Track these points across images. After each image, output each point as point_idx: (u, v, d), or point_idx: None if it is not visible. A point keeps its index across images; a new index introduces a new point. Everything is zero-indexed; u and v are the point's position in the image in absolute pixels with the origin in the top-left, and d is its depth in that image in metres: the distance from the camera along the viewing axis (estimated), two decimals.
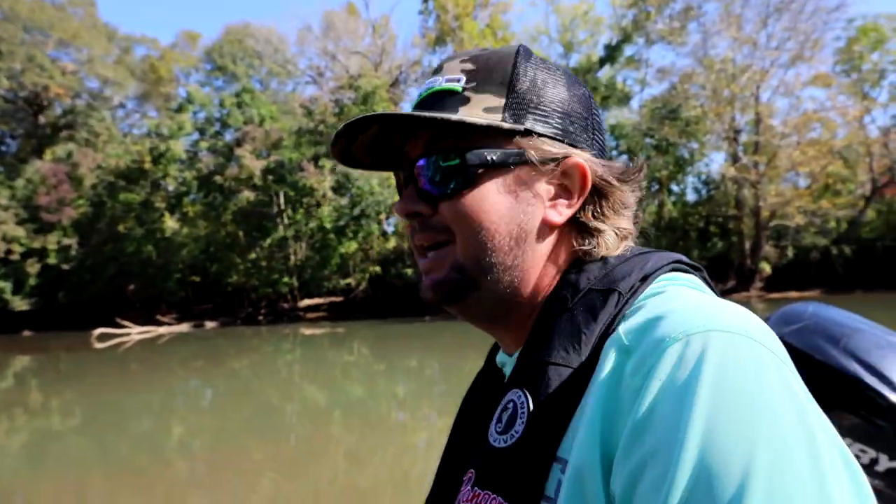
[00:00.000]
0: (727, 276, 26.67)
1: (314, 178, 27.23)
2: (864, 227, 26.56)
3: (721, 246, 28.01)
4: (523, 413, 0.59)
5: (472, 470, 0.62)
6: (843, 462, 0.47)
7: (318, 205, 28.17)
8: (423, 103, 0.71)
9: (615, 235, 0.71)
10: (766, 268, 25.93)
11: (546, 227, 0.70)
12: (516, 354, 0.72)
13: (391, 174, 0.81)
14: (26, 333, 29.16)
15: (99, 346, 20.98)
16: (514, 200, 0.69)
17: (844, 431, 0.94)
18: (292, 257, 29.23)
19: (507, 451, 0.58)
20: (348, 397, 10.60)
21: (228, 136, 31.49)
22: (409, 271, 26.97)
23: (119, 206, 30.55)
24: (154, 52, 41.67)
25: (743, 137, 27.26)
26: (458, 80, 0.70)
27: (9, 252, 28.83)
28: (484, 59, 0.72)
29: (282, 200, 29.04)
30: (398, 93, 31.30)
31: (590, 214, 0.71)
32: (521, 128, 0.68)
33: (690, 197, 29.44)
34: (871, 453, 0.92)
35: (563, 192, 0.70)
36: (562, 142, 0.70)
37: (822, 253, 25.84)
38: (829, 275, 25.05)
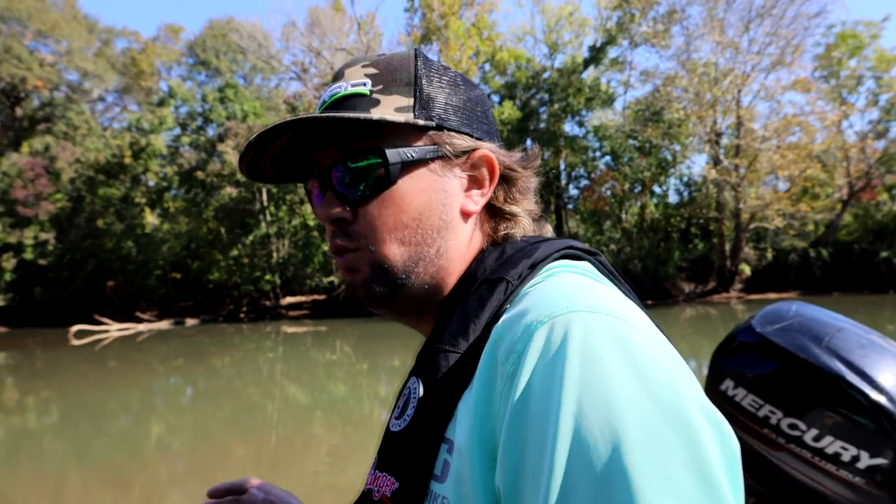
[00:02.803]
0: (708, 278, 26.98)
1: None
2: (841, 230, 27.03)
3: (702, 247, 28.32)
4: (415, 398, 0.62)
5: (378, 455, 0.65)
6: (710, 421, 0.48)
7: (302, 202, 27.99)
8: (328, 110, 0.71)
9: (528, 217, 0.77)
10: (746, 269, 26.28)
11: (463, 217, 0.74)
12: None
13: None
14: (1, 330, 28.61)
15: (76, 343, 20.65)
16: (433, 195, 0.71)
17: (827, 429, 0.96)
18: (275, 255, 29.02)
19: (399, 434, 0.62)
20: (330, 396, 10.56)
21: (211, 132, 31.16)
22: None
23: (98, 200, 30.10)
24: (135, 45, 41.12)
25: (724, 140, 27.58)
26: (364, 84, 0.71)
27: None
28: (385, 62, 0.73)
29: (264, 197, 28.81)
30: None
31: (502, 200, 0.76)
32: (434, 123, 0.71)
33: (672, 199, 29.74)
34: (853, 450, 0.94)
35: (475, 182, 0.74)
36: (469, 135, 0.73)
37: (800, 255, 26.25)
38: (807, 277, 25.46)
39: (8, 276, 29.24)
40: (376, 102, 0.70)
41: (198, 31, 45.73)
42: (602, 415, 0.46)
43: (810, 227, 27.44)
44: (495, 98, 29.12)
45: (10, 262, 29.10)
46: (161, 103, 32.91)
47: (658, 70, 27.79)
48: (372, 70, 0.72)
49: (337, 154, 0.70)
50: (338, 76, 0.74)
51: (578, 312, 0.53)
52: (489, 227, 0.76)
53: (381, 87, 0.71)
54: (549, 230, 0.80)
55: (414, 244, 0.70)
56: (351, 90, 0.71)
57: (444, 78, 0.74)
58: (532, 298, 0.60)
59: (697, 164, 34.04)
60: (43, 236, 29.70)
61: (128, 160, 29.84)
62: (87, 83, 37.48)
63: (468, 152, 0.73)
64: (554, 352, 0.50)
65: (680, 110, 25.92)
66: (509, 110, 26.32)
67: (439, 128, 0.71)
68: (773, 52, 25.86)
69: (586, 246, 0.73)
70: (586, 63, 28.10)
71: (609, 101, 28.54)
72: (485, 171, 0.74)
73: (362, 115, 0.66)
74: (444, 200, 0.72)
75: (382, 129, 0.69)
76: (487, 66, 29.04)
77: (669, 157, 27.86)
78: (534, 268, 0.67)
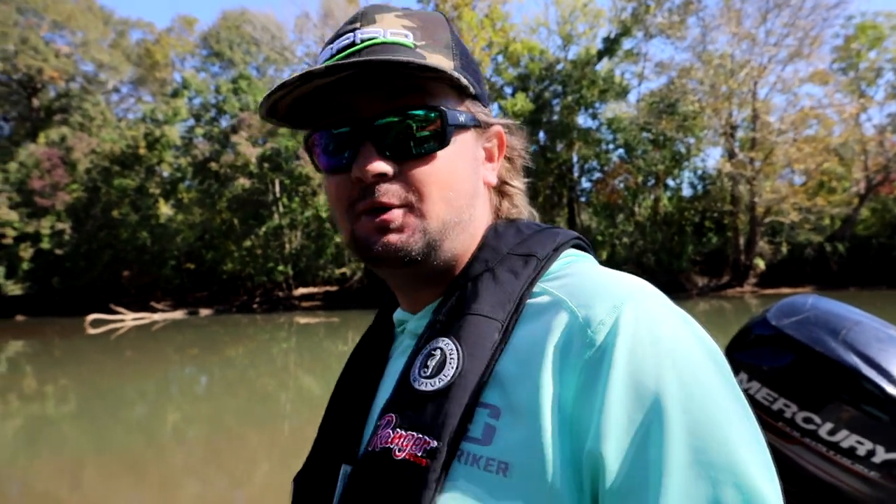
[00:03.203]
0: (722, 272, 26.76)
1: (310, 167, 27.12)
2: (859, 224, 26.67)
3: (716, 241, 28.09)
4: (453, 359, 0.62)
5: (390, 415, 0.63)
6: (730, 367, 0.61)
7: (314, 193, 28.08)
8: (363, 55, 0.66)
9: (524, 196, 0.80)
10: (761, 264, 26.03)
11: (483, 188, 0.75)
12: (426, 310, 0.74)
13: None
14: (20, 318, 29.05)
15: (93, 331, 20.92)
16: (471, 161, 0.72)
17: (842, 423, 0.96)
18: (287, 246, 29.17)
19: (435, 394, 0.61)
20: None
21: (224, 123, 31.31)
22: None
23: (114, 191, 30.38)
24: (150, 37, 41.33)
25: (740, 133, 27.27)
26: (406, 36, 0.68)
27: (2, 236, 28.68)
28: (420, 18, 0.71)
29: (277, 188, 28.93)
30: None
31: (506, 176, 0.78)
32: (476, 92, 0.71)
33: (686, 192, 29.48)
34: (868, 445, 0.94)
35: (488, 156, 0.76)
36: (488, 109, 0.76)
37: (816, 250, 25.95)
38: (822, 271, 25.18)
39: (26, 266, 29.64)
40: (422, 58, 0.66)
41: (212, 22, 45.90)
42: (693, 368, 0.56)
43: (827, 221, 27.09)
44: (508, 90, 28.96)
45: (27, 252, 29.48)
46: (175, 94, 33.09)
47: (673, 62, 27.55)
48: (409, 22, 0.69)
49: (383, 105, 0.66)
50: (367, 20, 0.69)
51: (650, 295, 0.62)
52: (495, 202, 0.78)
53: (424, 43, 0.68)
54: (535, 213, 0.82)
55: (455, 208, 0.69)
56: (391, 38, 0.67)
57: (466, 49, 0.74)
58: (588, 279, 0.65)
59: (712, 158, 33.71)
60: (59, 226, 30.05)
61: (142, 151, 30.06)
62: (102, 74, 37.77)
63: (490, 125, 0.75)
64: (647, 325, 0.58)
65: (695, 102, 25.65)
66: (522, 102, 26.18)
67: (474, 97, 0.72)
68: (791, 44, 25.51)
69: (585, 240, 0.78)
70: (600, 54, 27.87)
71: (623, 93, 28.29)
72: (496, 146, 0.76)
73: (449, 69, 0.64)
74: (476, 169, 0.73)
75: (431, 87, 0.67)
76: (500, 58, 28.87)
77: (684, 150, 27.60)
78: (556, 250, 0.70)
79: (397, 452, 0.59)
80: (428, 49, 0.68)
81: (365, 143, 0.66)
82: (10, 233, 28.89)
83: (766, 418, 1.03)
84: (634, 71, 29.77)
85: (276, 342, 17.60)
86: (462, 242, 0.71)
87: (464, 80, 0.67)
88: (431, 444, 0.58)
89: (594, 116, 28.55)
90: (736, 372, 1.10)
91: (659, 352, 0.56)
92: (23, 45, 32.59)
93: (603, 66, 28.13)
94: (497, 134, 0.76)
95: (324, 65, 0.62)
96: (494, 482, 0.56)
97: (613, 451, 0.53)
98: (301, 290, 29.48)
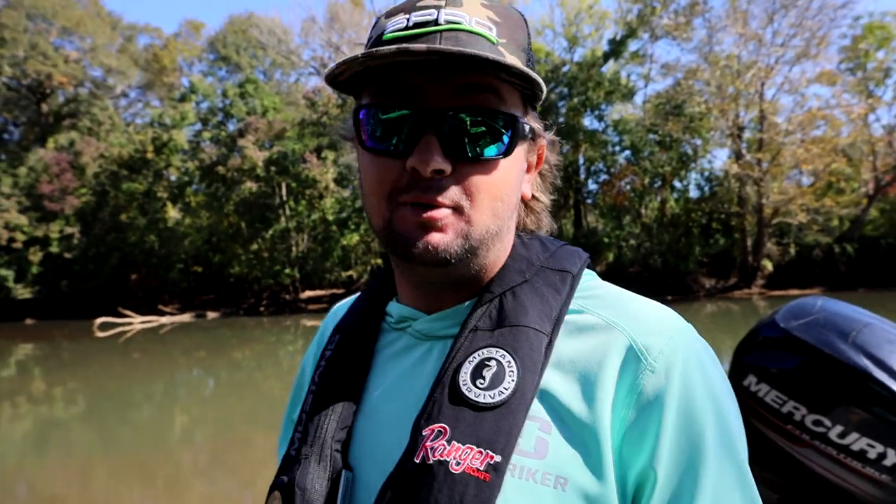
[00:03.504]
0: (729, 273, 26.61)
1: (317, 170, 27.18)
2: (868, 225, 26.47)
3: (723, 243, 27.94)
4: (512, 372, 0.61)
5: (440, 425, 0.60)
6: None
7: (321, 196, 28.13)
8: (445, 37, 0.61)
9: (548, 212, 0.78)
10: (768, 265, 25.87)
11: (519, 200, 0.73)
12: (445, 313, 0.70)
13: None
14: (29, 321, 29.23)
15: (101, 334, 21.02)
16: (519, 173, 0.69)
17: (853, 426, 0.95)
18: (294, 249, 29.21)
19: (495, 406, 0.60)
20: None
21: (231, 127, 31.42)
22: None
23: (122, 195, 30.52)
24: (157, 42, 41.59)
25: (747, 134, 27.13)
26: (490, 29, 0.63)
27: (11, 240, 28.86)
28: (504, 12, 0.66)
29: (284, 192, 28.99)
30: None
31: (538, 192, 0.76)
32: (539, 103, 0.70)
33: (693, 193, 29.33)
34: (879, 448, 0.93)
35: (528, 167, 0.73)
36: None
37: (824, 251, 25.77)
38: (831, 273, 25.00)
39: (35, 269, 29.82)
40: (501, 56, 0.61)
41: (218, 26, 46.08)
42: (723, 403, 0.63)
43: (835, 222, 26.90)
44: None
45: (36, 256, 29.66)
46: (182, 99, 33.25)
47: (679, 63, 27.42)
48: (493, 15, 0.65)
49: (455, 99, 0.62)
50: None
51: (690, 328, 0.66)
52: (522, 214, 0.76)
53: (505, 40, 0.64)
54: (555, 229, 0.82)
55: (499, 218, 0.66)
56: (476, 28, 0.62)
57: (532, 53, 0.70)
58: (630, 304, 0.68)
59: (719, 159, 33.62)
60: (68, 230, 30.22)
61: (150, 155, 30.20)
62: (110, 79, 38.01)
63: (540, 138, 0.73)
64: (695, 358, 0.63)
65: (701, 104, 25.53)
66: None
67: (534, 107, 0.71)
68: (798, 44, 25.36)
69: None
70: (606, 56, 27.80)
71: (629, 94, 28.20)
72: (534, 160, 0.74)
73: (542, 83, 0.62)
74: (521, 180, 0.71)
75: (504, 91, 0.63)
76: None
77: (690, 152, 27.48)
78: (582, 268, 0.72)
79: (454, 465, 0.57)
80: (508, 48, 0.63)
81: (428, 133, 0.61)
82: (20, 237, 29.07)
83: (776, 421, 1.03)
84: (640, 72, 29.68)
85: (283, 345, 17.63)
86: (495, 252, 0.69)
87: (542, 94, 0.65)
88: (495, 459, 0.57)
89: (600, 118, 28.49)
90: (745, 374, 1.10)
91: (706, 383, 0.62)
92: (32, 51, 32.84)
93: (609, 67, 28.06)
94: (541, 147, 0.74)
95: (426, 46, 0.57)
96: (553, 496, 0.57)
97: (664, 470, 0.58)
98: (308, 293, 29.52)
